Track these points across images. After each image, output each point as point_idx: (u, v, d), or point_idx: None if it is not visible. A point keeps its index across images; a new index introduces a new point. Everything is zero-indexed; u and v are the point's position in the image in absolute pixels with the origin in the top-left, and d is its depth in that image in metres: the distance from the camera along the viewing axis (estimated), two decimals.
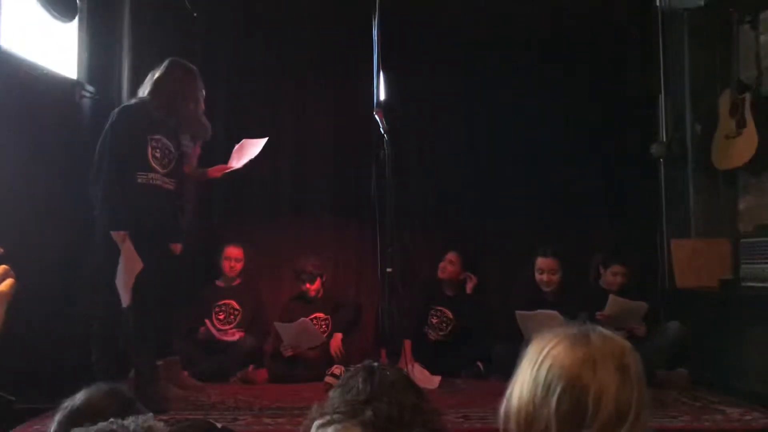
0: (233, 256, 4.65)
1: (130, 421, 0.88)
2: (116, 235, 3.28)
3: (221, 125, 4.92)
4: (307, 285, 4.60)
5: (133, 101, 3.56)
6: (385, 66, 3.87)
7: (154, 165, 3.40)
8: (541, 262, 4.48)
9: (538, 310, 4.05)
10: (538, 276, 4.46)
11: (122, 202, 3.31)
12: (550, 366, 1.22)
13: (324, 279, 4.69)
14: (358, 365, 1.86)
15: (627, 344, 1.24)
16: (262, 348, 4.56)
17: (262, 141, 3.88)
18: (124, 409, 1.44)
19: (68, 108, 4.04)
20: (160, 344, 3.66)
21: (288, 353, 4.35)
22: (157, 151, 3.41)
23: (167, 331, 3.85)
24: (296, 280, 4.67)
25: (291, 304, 4.72)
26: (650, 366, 3.99)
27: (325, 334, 4.51)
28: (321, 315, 4.61)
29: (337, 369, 4.00)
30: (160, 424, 0.91)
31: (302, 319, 4.34)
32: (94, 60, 4.34)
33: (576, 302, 4.21)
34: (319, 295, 4.65)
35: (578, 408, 1.18)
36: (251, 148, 3.86)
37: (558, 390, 1.20)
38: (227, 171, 3.87)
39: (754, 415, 3.40)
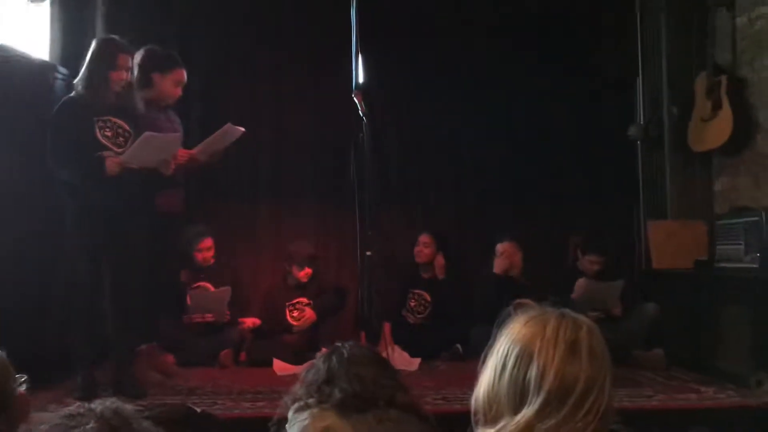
0: (205, 247, 4.51)
1: (97, 404, 0.87)
2: (111, 167, 3.23)
3: (198, 108, 4.87)
4: (300, 271, 4.56)
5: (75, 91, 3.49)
6: (364, 48, 3.84)
7: (107, 144, 3.34)
8: (499, 246, 4.56)
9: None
10: (497, 260, 4.49)
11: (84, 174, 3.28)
12: (507, 343, 1.24)
13: (316, 266, 4.68)
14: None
15: (586, 323, 1.24)
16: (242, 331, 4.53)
17: (237, 132, 3.77)
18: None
19: (41, 91, 3.96)
20: (142, 329, 3.62)
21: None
22: (107, 131, 3.36)
23: (150, 316, 3.82)
24: (288, 262, 4.63)
25: (272, 289, 4.70)
26: (626, 346, 4.10)
27: (301, 321, 4.50)
28: (304, 300, 4.59)
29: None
30: (129, 406, 0.90)
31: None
32: (67, 42, 4.27)
33: (545, 284, 4.25)
34: (307, 279, 4.63)
35: (524, 381, 1.19)
36: (223, 139, 3.77)
37: (509, 366, 1.22)
38: (187, 157, 3.72)
39: (728, 393, 3.47)
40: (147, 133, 3.37)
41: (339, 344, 1.86)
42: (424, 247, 4.74)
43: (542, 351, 1.20)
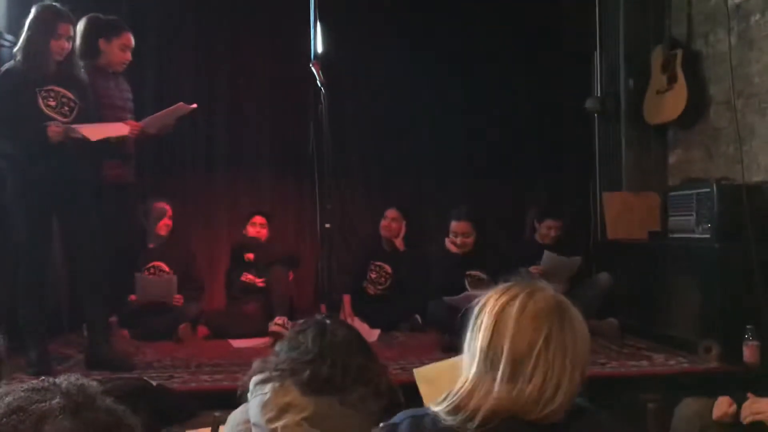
0: (160, 214, 4.42)
1: (62, 379, 0.85)
2: (54, 134, 3.14)
3: (152, 78, 4.76)
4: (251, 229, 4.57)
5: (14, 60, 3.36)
6: (323, 16, 3.77)
7: (50, 114, 3.23)
8: (454, 225, 4.43)
9: (464, 294, 4.01)
10: (451, 239, 4.44)
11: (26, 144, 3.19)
12: (478, 315, 1.25)
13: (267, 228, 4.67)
14: (309, 320, 1.84)
15: (555, 297, 1.25)
16: (200, 306, 4.49)
17: (188, 109, 3.66)
18: None
19: None
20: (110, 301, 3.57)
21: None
22: (50, 100, 3.25)
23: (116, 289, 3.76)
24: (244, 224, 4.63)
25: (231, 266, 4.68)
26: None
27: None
28: (257, 280, 4.58)
29: (279, 319, 4.01)
30: (93, 383, 0.88)
31: None
32: (13, 8, 4.11)
33: (494, 262, 4.28)
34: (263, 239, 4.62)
35: (489, 348, 1.21)
36: (174, 114, 3.69)
37: (479, 336, 1.22)
38: (137, 130, 3.58)
39: (678, 360, 3.57)
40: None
41: (327, 322, 1.83)
42: (392, 222, 4.73)
43: (502, 317, 1.21)
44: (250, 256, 4.59)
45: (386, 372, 1.82)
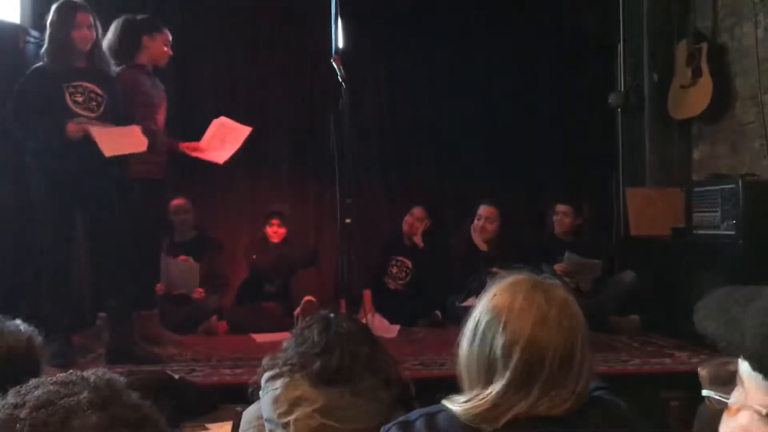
0: (180, 209, 4.50)
1: (90, 373, 0.87)
2: (72, 132, 3.18)
3: (173, 74, 4.79)
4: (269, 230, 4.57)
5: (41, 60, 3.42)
6: (344, 11, 3.77)
7: (77, 110, 3.27)
8: (482, 209, 4.51)
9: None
10: (475, 223, 4.46)
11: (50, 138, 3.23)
12: (479, 312, 1.23)
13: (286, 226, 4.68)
14: (313, 317, 1.86)
15: (561, 294, 1.23)
16: (222, 301, 4.53)
17: (245, 130, 3.80)
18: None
19: (12, 54, 3.85)
20: (135, 295, 3.59)
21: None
22: (78, 96, 3.29)
23: (145, 282, 3.80)
24: (263, 222, 4.65)
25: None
26: (602, 312, 4.12)
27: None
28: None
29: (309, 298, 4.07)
30: (120, 378, 0.89)
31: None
32: (38, 4, 4.15)
33: (515, 258, 4.25)
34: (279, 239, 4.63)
35: (492, 352, 1.18)
36: (232, 137, 3.78)
37: (479, 334, 1.21)
38: (200, 156, 3.80)
39: (701, 357, 3.51)
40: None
41: (331, 315, 1.84)
42: (417, 221, 4.73)
43: (510, 322, 1.18)
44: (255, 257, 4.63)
45: (395, 363, 1.83)
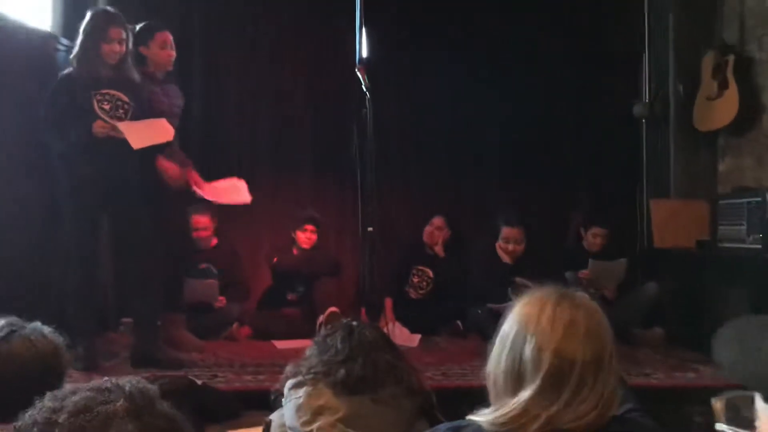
0: (200, 226, 4.49)
1: (125, 381, 0.89)
2: (98, 130, 3.23)
3: (198, 82, 4.84)
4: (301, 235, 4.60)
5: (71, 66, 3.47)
6: (368, 21, 3.80)
7: (104, 118, 3.32)
8: (507, 231, 4.40)
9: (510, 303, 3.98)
10: (502, 245, 4.42)
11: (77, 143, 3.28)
12: (508, 323, 1.24)
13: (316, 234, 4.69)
14: (335, 325, 1.87)
15: (587, 304, 1.24)
16: (244, 308, 4.56)
17: (246, 199, 3.79)
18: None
19: (42, 61, 3.93)
20: (161, 298, 3.62)
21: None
22: (105, 104, 3.35)
23: (172, 285, 3.83)
24: (295, 227, 4.65)
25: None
26: (625, 324, 4.09)
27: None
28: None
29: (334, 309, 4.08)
30: (154, 387, 0.92)
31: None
32: (69, 11, 4.22)
33: (536, 268, 4.24)
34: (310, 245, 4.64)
35: (521, 363, 1.19)
36: (234, 197, 3.81)
37: (508, 345, 1.21)
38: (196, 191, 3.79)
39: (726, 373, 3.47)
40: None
41: (354, 323, 1.85)
42: (437, 230, 4.73)
43: (538, 332, 1.19)
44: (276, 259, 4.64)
45: (416, 371, 1.83)
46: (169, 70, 3.84)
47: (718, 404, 1.42)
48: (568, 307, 1.21)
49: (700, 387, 3.28)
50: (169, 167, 3.61)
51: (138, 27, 3.80)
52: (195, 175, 3.83)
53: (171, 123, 3.72)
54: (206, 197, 3.79)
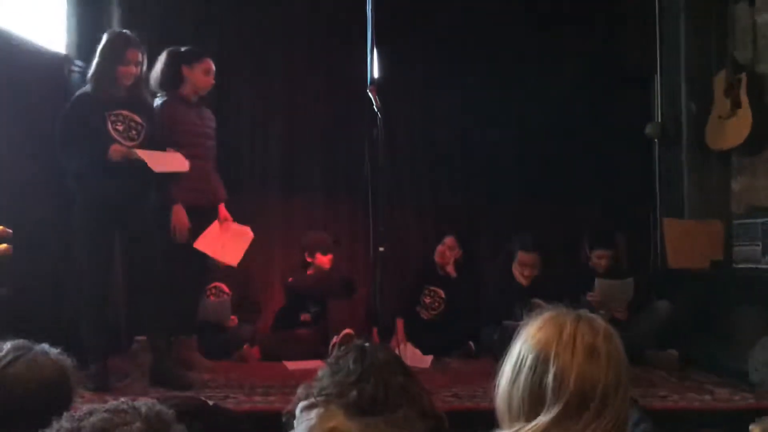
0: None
1: (141, 404, 0.89)
2: (114, 154, 3.27)
3: (210, 99, 4.87)
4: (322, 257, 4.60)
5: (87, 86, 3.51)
6: (380, 42, 3.82)
7: (118, 138, 3.35)
8: (523, 256, 4.39)
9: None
10: (518, 269, 4.40)
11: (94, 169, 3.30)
12: (522, 347, 1.22)
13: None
14: (347, 346, 1.85)
15: (603, 325, 1.23)
16: (256, 328, 4.55)
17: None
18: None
19: (57, 83, 3.98)
20: (175, 319, 3.64)
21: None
22: (119, 124, 3.37)
23: (187, 308, 3.85)
24: (309, 251, 4.64)
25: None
26: (639, 346, 4.06)
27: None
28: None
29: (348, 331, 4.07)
30: (170, 411, 0.91)
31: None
32: (83, 34, 4.28)
33: (551, 289, 4.21)
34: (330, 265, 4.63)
35: (541, 387, 1.17)
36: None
37: (525, 371, 1.20)
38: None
39: (742, 395, 3.42)
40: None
41: (366, 344, 1.84)
42: (449, 250, 4.71)
43: (559, 356, 1.18)
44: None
45: (428, 394, 1.81)
46: (203, 95, 3.89)
47: (757, 429, 1.39)
48: (587, 331, 1.20)
49: (717, 410, 3.23)
50: (180, 221, 3.64)
51: (184, 48, 3.88)
52: (224, 211, 3.92)
53: (207, 144, 3.85)
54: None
